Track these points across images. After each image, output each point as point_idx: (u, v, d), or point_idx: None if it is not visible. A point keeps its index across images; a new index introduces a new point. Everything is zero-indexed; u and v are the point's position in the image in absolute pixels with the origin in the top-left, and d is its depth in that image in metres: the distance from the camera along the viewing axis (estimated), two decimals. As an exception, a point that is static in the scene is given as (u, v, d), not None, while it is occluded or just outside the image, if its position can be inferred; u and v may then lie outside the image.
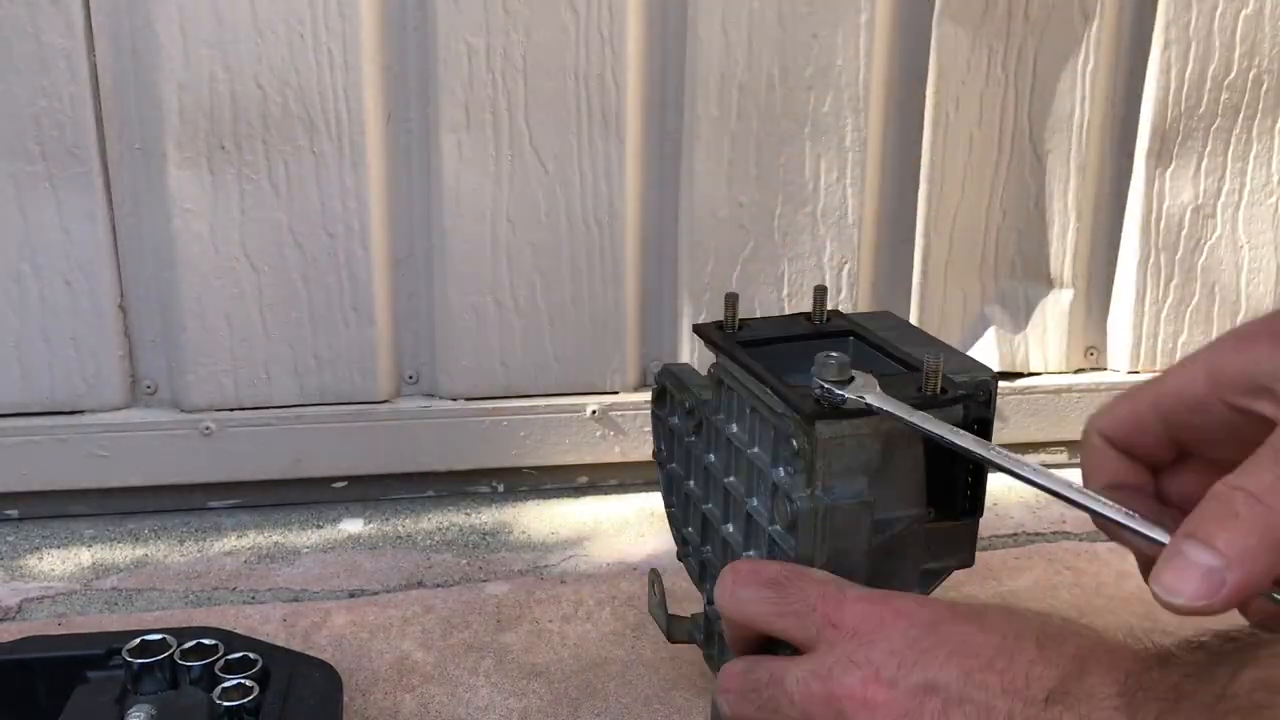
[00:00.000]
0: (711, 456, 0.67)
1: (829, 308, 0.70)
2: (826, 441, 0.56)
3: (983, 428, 0.61)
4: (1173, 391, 0.52)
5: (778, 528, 0.59)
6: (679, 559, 0.75)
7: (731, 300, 0.69)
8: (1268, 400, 0.47)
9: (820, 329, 0.69)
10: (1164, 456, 0.54)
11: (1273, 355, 0.47)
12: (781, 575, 0.53)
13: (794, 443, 0.58)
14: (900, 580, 0.61)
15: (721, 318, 0.69)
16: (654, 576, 0.74)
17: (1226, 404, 0.49)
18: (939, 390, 0.58)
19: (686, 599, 0.78)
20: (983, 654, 0.46)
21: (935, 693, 0.46)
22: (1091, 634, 0.49)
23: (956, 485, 0.62)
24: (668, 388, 0.72)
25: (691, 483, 0.71)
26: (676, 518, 0.74)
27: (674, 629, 0.73)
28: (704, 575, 0.71)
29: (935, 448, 0.58)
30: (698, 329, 0.69)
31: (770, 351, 0.65)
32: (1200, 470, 0.52)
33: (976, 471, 0.62)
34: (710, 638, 0.69)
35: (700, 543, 0.70)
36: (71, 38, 0.87)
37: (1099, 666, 0.46)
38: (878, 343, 0.66)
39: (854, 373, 0.57)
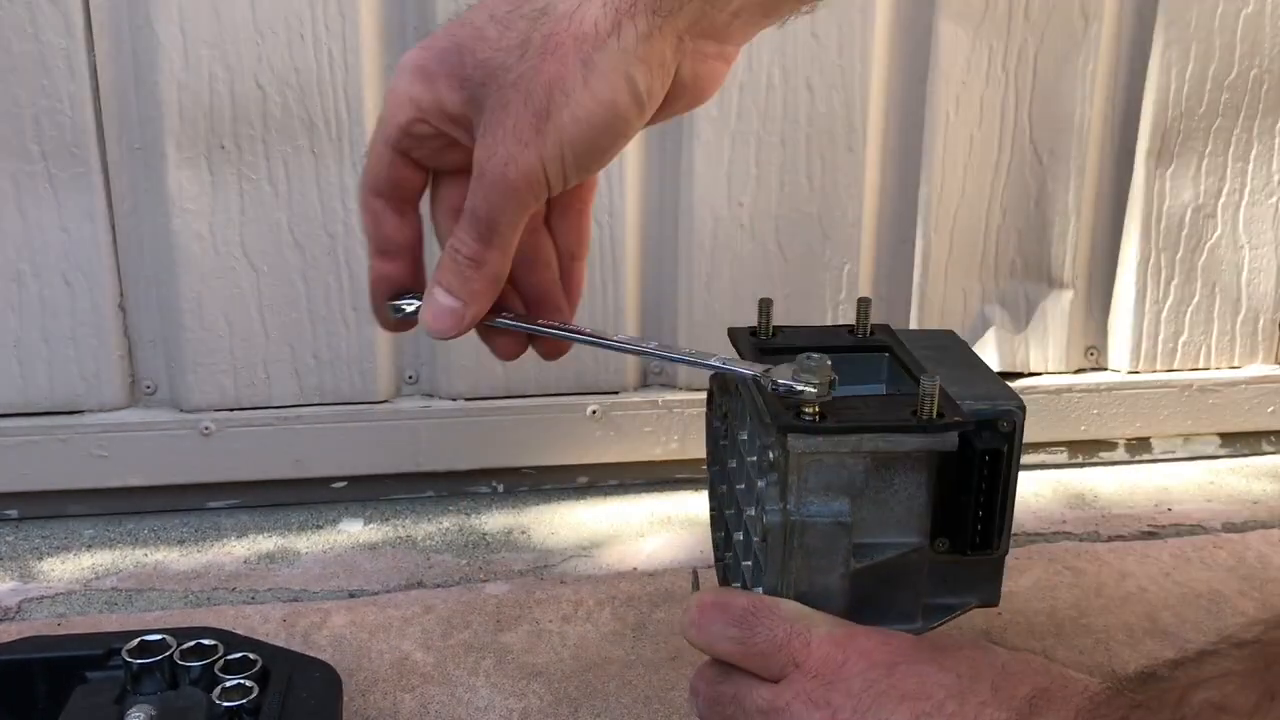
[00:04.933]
0: (733, 462, 0.67)
1: (873, 320, 0.68)
2: (800, 455, 0.55)
3: (994, 460, 0.58)
4: (392, 125, 0.57)
5: (757, 539, 0.59)
6: (715, 563, 0.75)
7: (765, 305, 0.67)
8: (462, 131, 0.56)
9: (859, 342, 0.67)
10: (420, 183, 0.60)
11: (450, 95, 0.55)
12: (748, 612, 0.55)
13: (771, 453, 0.57)
14: (898, 611, 0.59)
15: (755, 321, 0.67)
16: (695, 577, 0.73)
17: (434, 129, 0.57)
18: (935, 415, 0.55)
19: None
20: (935, 696, 0.50)
21: None
22: (1053, 671, 0.52)
23: (966, 516, 0.59)
24: (714, 391, 0.72)
25: (724, 487, 0.70)
26: (714, 521, 0.74)
27: None
28: (727, 582, 0.70)
29: (943, 476, 0.57)
30: (731, 332, 0.68)
31: None
32: (456, 183, 0.59)
33: (989, 505, 0.59)
34: None
35: (725, 548, 0.70)
36: (71, 37, 0.87)
37: (1050, 706, 0.49)
38: (909, 362, 0.63)
39: (797, 359, 0.56)
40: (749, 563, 0.62)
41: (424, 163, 0.59)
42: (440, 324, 0.57)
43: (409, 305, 0.60)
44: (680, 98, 0.56)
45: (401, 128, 0.57)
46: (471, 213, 0.55)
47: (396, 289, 0.61)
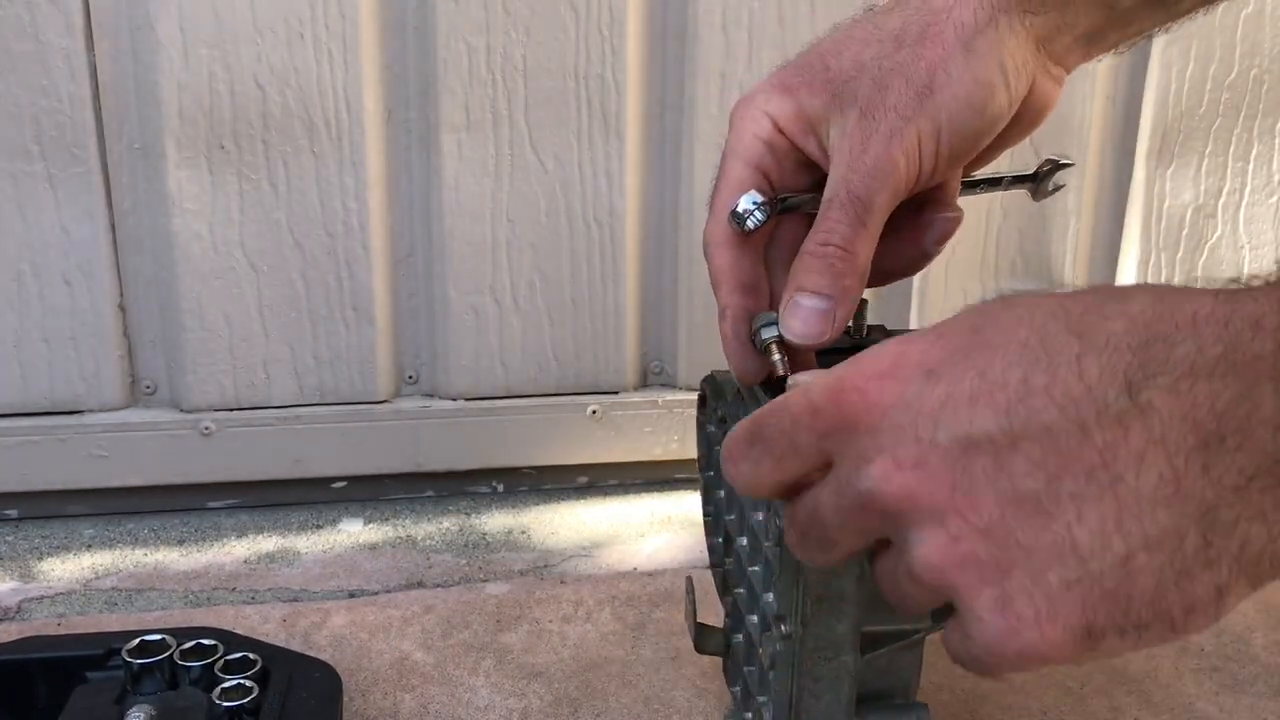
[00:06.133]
0: None
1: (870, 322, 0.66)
2: None
3: None
4: (748, 137, 0.57)
5: (769, 544, 0.59)
6: (710, 568, 0.74)
7: None
8: (814, 142, 0.56)
9: (857, 343, 0.65)
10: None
11: (810, 100, 0.55)
12: (754, 425, 0.46)
13: None
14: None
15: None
16: (689, 585, 0.72)
17: (789, 143, 0.57)
18: None
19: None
20: (1009, 379, 0.38)
21: (978, 448, 0.38)
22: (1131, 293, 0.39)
23: None
24: (706, 394, 0.71)
25: (721, 492, 0.70)
26: (709, 526, 0.73)
27: (703, 639, 0.70)
28: (727, 588, 0.70)
29: None
30: None
31: None
32: (795, 222, 0.59)
33: None
34: (729, 651, 0.69)
35: (724, 554, 0.70)
36: (71, 37, 0.87)
37: (1172, 322, 0.36)
38: None
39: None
40: (756, 568, 0.62)
41: (774, 184, 0.58)
42: (811, 329, 0.54)
43: (768, 331, 0.56)
44: (1025, 113, 0.57)
45: (759, 138, 0.57)
46: (845, 196, 0.53)
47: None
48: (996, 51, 0.53)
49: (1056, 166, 0.65)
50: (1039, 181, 0.65)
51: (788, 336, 0.54)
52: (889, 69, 0.53)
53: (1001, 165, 0.64)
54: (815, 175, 0.57)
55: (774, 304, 0.57)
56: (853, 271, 0.54)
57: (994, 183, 0.64)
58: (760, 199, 0.56)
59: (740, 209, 0.56)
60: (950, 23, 0.53)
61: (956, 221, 0.60)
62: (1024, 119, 0.57)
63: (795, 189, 0.58)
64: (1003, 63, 0.53)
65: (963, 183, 0.61)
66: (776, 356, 0.55)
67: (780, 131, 0.57)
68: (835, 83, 0.55)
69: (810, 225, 0.54)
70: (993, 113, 0.54)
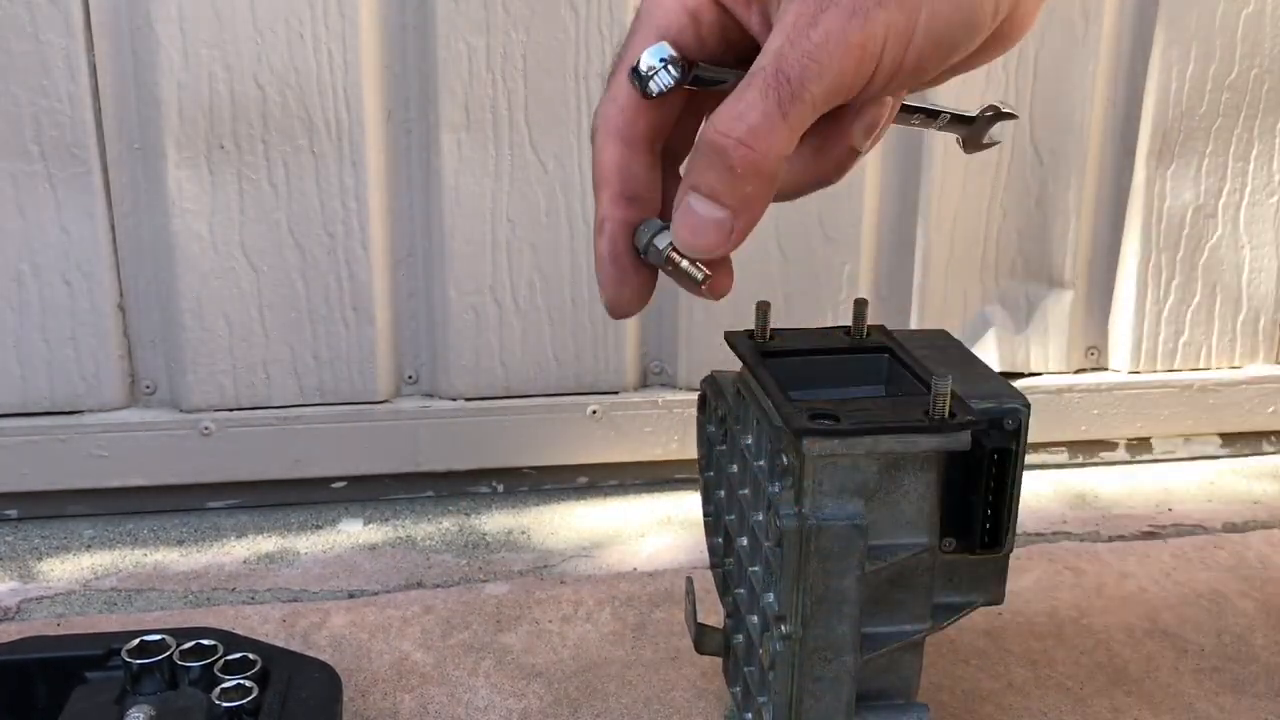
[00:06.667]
0: (734, 467, 0.66)
1: (870, 322, 0.67)
2: (815, 459, 0.55)
3: (1002, 458, 0.58)
4: (669, 9, 0.45)
5: (769, 544, 0.59)
6: (710, 568, 0.74)
7: (762, 308, 0.66)
8: (757, 12, 0.44)
9: (856, 344, 0.66)
10: (673, 117, 0.47)
11: None
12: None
13: (784, 458, 0.57)
14: (908, 612, 0.59)
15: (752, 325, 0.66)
16: (689, 585, 0.72)
17: (723, 12, 0.45)
18: (948, 414, 0.55)
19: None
20: None
21: None
22: None
23: (975, 515, 0.59)
24: (707, 395, 0.71)
25: (721, 492, 0.70)
26: (709, 526, 0.73)
27: (703, 639, 0.70)
28: (727, 588, 0.70)
29: (951, 475, 0.56)
30: (728, 336, 0.68)
31: (800, 364, 0.63)
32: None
33: (998, 503, 0.59)
34: (728, 651, 0.69)
35: (724, 554, 0.70)
36: (70, 37, 0.87)
37: None
38: (910, 362, 0.63)
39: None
40: (757, 568, 0.62)
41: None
42: (701, 239, 0.43)
43: (661, 240, 0.46)
44: (1003, 26, 0.45)
45: (683, 2, 0.44)
46: (772, 73, 0.41)
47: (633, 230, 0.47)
48: None
49: (999, 115, 0.57)
50: (975, 127, 0.58)
51: (676, 240, 0.44)
52: None
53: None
54: (746, 49, 0.45)
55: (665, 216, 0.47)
56: (758, 174, 0.42)
57: (931, 115, 0.55)
58: (671, 54, 0.43)
59: (643, 66, 0.43)
60: None
61: (887, 110, 0.47)
62: (998, 35, 0.46)
63: (716, 63, 0.45)
64: None
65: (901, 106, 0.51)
66: (685, 264, 0.45)
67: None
68: None
69: None
70: (977, 19, 0.43)
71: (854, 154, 0.46)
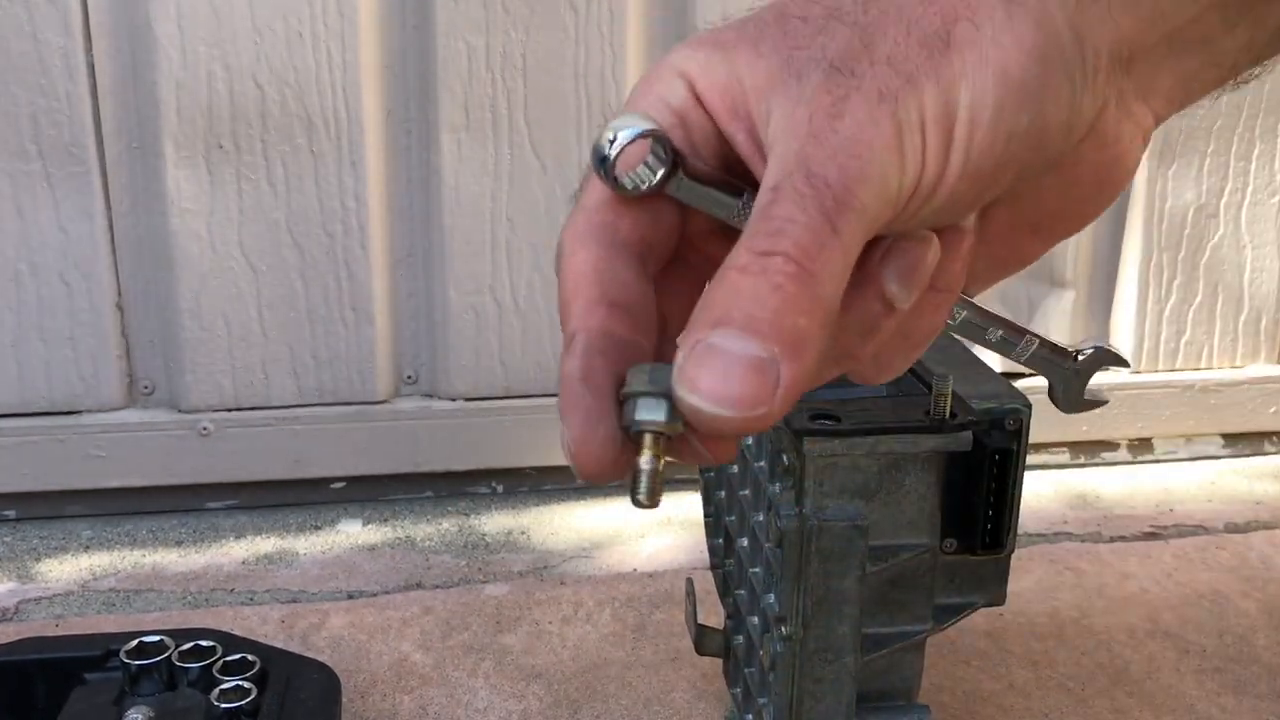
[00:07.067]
0: (734, 468, 0.66)
1: None
2: (816, 459, 0.55)
3: (1003, 459, 0.58)
4: (652, 106, 0.34)
5: (769, 545, 0.59)
6: (711, 569, 0.74)
7: None
8: (742, 128, 0.33)
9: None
10: (673, 231, 0.35)
11: (752, 65, 0.33)
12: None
13: (785, 458, 0.57)
14: (909, 612, 0.59)
15: None
16: (689, 586, 0.72)
17: (710, 122, 0.34)
18: (949, 414, 0.55)
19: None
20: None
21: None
22: None
23: (976, 517, 0.59)
24: None
25: (721, 493, 0.70)
26: (709, 527, 0.73)
27: (703, 640, 0.70)
28: (727, 589, 0.70)
29: (952, 476, 0.56)
30: None
31: None
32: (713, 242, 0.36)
33: (999, 503, 0.59)
34: (729, 653, 0.69)
35: (725, 555, 0.69)
36: (69, 36, 0.87)
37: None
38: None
39: None
40: (757, 569, 0.62)
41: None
42: (734, 390, 0.29)
43: (647, 409, 0.30)
44: (1091, 156, 0.34)
45: (668, 106, 0.34)
46: (804, 181, 0.30)
47: (623, 367, 0.32)
48: (1054, 19, 0.32)
49: (1106, 357, 0.44)
50: (1072, 368, 0.45)
51: (688, 399, 0.29)
52: (880, 12, 0.32)
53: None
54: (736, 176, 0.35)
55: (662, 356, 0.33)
56: (813, 301, 0.29)
57: (1016, 332, 0.42)
58: (651, 126, 0.32)
59: (610, 149, 0.32)
60: None
61: (930, 252, 0.34)
62: (1087, 168, 0.34)
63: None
64: (1067, 38, 0.32)
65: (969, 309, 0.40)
66: (648, 451, 0.30)
67: (699, 102, 0.34)
68: (795, 38, 0.33)
69: (728, 247, 0.30)
70: (1049, 115, 0.32)
71: (889, 311, 0.33)
